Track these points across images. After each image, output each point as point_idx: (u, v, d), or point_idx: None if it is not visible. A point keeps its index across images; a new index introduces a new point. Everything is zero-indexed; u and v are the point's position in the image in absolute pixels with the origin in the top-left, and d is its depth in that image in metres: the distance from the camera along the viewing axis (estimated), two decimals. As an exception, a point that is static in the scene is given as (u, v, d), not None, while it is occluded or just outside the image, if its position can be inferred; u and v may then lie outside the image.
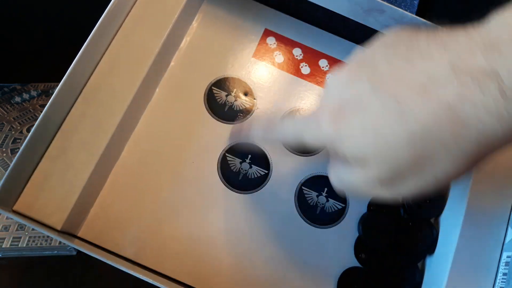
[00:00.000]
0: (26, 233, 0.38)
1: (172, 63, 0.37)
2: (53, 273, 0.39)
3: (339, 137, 0.23)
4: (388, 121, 0.21)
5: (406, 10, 0.46)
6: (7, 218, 0.38)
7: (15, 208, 0.30)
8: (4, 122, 0.41)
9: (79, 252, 0.38)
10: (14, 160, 0.29)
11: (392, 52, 0.23)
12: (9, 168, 0.29)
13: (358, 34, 0.38)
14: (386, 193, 0.24)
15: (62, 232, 0.31)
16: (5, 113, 0.42)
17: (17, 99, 0.42)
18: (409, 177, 0.22)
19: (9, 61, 0.45)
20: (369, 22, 0.36)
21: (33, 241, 0.38)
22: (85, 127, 0.32)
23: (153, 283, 0.29)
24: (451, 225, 0.34)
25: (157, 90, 0.37)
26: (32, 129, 0.29)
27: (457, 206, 0.34)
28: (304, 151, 0.36)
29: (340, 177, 0.26)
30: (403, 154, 0.21)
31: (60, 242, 0.37)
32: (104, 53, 0.33)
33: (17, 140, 0.40)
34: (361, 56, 0.25)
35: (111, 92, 0.33)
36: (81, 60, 0.31)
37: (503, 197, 0.34)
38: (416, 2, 0.46)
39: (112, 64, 0.33)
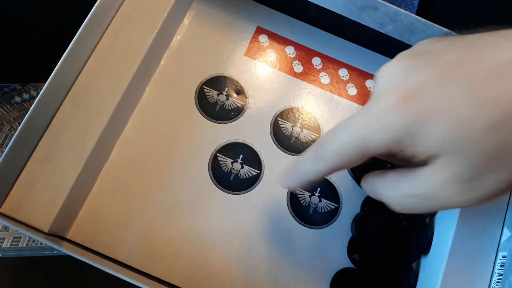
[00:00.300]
0: (27, 233, 0.38)
1: (162, 62, 0.37)
2: (53, 273, 0.39)
3: (416, 123, 0.20)
4: (467, 107, 0.19)
5: (406, 10, 0.46)
6: (7, 218, 0.39)
7: (1, 210, 0.30)
8: (4, 122, 0.41)
9: (79, 252, 0.39)
10: (-2, 162, 0.28)
11: (448, 44, 0.21)
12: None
13: (352, 32, 0.37)
14: (468, 196, 0.21)
15: (50, 235, 0.30)
16: (5, 113, 0.42)
17: (17, 99, 0.42)
18: (493, 172, 0.20)
19: (9, 61, 0.45)
20: (363, 20, 0.35)
21: (33, 241, 0.38)
22: (72, 128, 0.31)
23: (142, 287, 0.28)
24: (446, 225, 0.33)
25: (147, 89, 0.36)
26: (17, 131, 0.29)
27: (452, 206, 0.34)
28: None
29: (407, 192, 0.22)
30: (486, 143, 0.19)
31: (60, 242, 0.38)
32: (92, 52, 0.33)
33: (17, 140, 0.40)
34: (415, 48, 0.23)
35: (99, 92, 0.32)
36: (67, 59, 0.31)
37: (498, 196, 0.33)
38: (416, 2, 0.46)
39: (100, 63, 0.33)
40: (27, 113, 0.29)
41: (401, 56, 0.22)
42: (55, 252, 0.38)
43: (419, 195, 0.22)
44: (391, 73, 0.22)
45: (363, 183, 0.26)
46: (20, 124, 0.29)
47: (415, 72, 0.21)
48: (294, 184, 0.27)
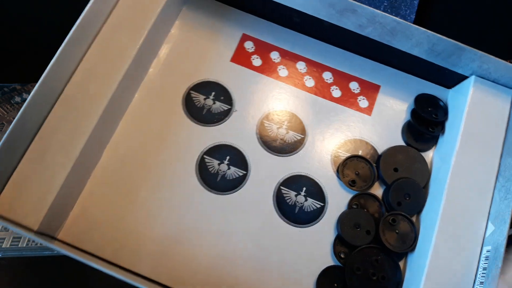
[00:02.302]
0: (26, 233, 0.38)
1: (150, 69, 0.38)
2: (53, 273, 0.39)
3: None
4: None
5: (406, 10, 0.47)
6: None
7: (-8, 210, 0.31)
8: (4, 122, 0.42)
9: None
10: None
11: None
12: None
13: (333, 35, 0.39)
14: None
15: (40, 234, 0.31)
16: (5, 113, 0.42)
17: (17, 99, 0.43)
18: None
19: (9, 61, 0.46)
20: (343, 23, 0.36)
21: (33, 241, 0.38)
22: (63, 130, 0.32)
23: (133, 283, 0.29)
24: (430, 222, 0.33)
25: (136, 95, 0.37)
26: (6, 133, 0.30)
27: (436, 203, 0.34)
28: None
29: None
30: None
31: (59, 242, 0.38)
32: (81, 58, 0.34)
33: (17, 140, 0.41)
34: None
35: (88, 96, 0.33)
36: (56, 64, 0.32)
37: (482, 191, 0.33)
38: (416, 2, 0.46)
39: (89, 69, 0.34)
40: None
41: None
42: (55, 252, 0.38)
43: None
44: None
45: None
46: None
47: None
48: None
